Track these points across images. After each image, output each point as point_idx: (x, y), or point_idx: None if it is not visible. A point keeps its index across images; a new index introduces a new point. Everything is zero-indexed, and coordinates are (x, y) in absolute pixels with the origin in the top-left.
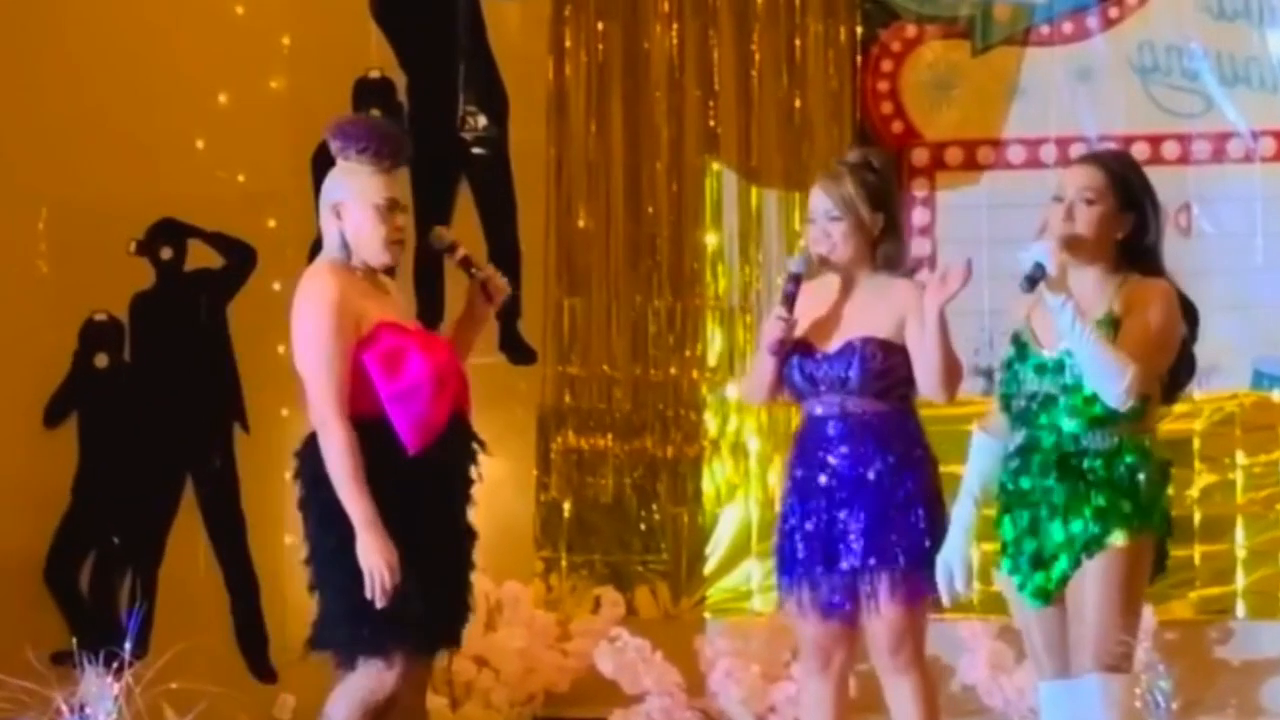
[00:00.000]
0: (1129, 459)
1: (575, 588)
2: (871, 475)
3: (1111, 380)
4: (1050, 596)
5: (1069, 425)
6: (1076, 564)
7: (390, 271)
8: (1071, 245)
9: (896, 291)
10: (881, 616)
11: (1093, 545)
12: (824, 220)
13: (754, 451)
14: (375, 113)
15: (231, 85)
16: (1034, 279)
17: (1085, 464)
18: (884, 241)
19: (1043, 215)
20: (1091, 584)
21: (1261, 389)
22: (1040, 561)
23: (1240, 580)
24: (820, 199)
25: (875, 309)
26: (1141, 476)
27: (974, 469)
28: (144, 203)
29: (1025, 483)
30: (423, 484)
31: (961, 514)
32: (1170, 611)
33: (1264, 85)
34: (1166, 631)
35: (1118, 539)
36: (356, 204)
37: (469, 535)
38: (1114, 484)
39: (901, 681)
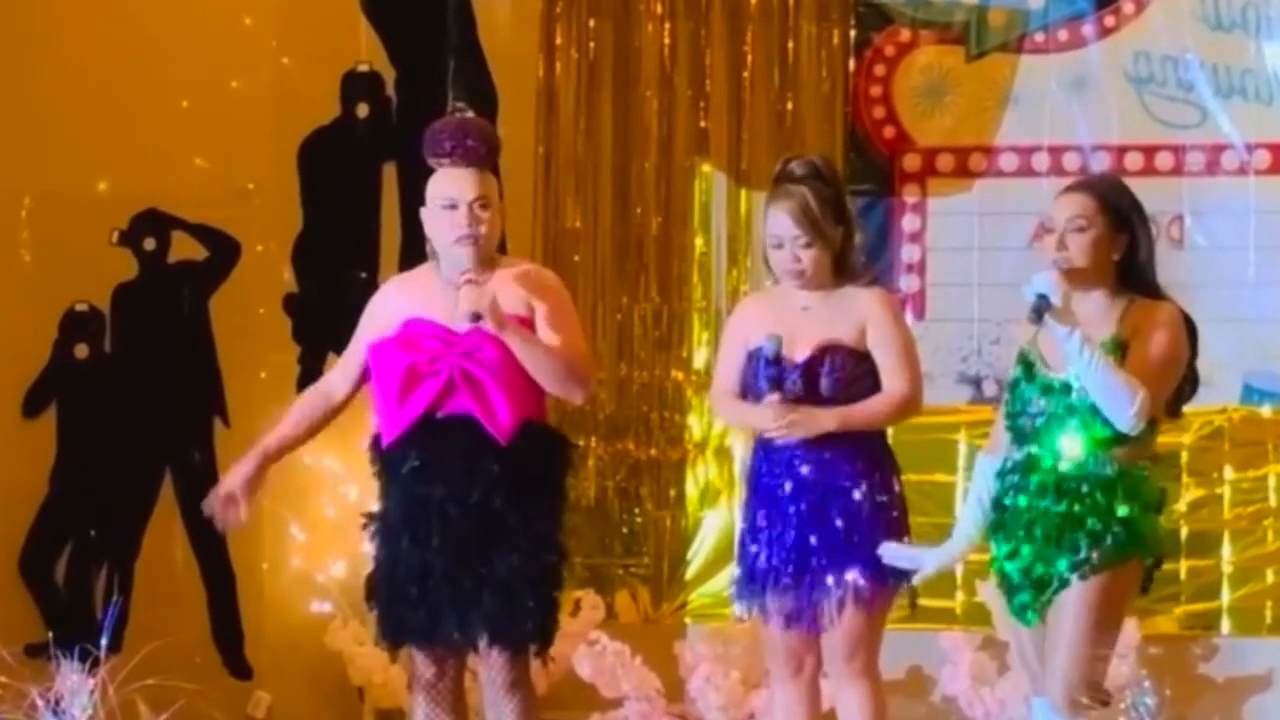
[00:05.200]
0: (1125, 485)
1: None
2: (839, 484)
3: (1121, 405)
4: (1041, 615)
5: (1071, 448)
6: (1065, 585)
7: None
8: (1070, 275)
9: (858, 300)
10: (841, 623)
11: (1082, 569)
12: (794, 246)
13: (738, 456)
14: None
15: (219, 76)
16: (1040, 310)
17: (1084, 488)
18: (844, 251)
19: (1034, 226)
20: (1072, 607)
21: (1251, 404)
22: (1031, 580)
23: (1226, 596)
24: (786, 224)
25: (839, 318)
26: (1136, 504)
27: (978, 495)
28: (128, 193)
29: (1022, 501)
30: (400, 477)
31: (959, 539)
32: (1155, 626)
33: (1260, 97)
34: (1151, 646)
35: (1106, 565)
36: (428, 208)
37: (487, 537)
38: (1109, 510)
39: (854, 687)
